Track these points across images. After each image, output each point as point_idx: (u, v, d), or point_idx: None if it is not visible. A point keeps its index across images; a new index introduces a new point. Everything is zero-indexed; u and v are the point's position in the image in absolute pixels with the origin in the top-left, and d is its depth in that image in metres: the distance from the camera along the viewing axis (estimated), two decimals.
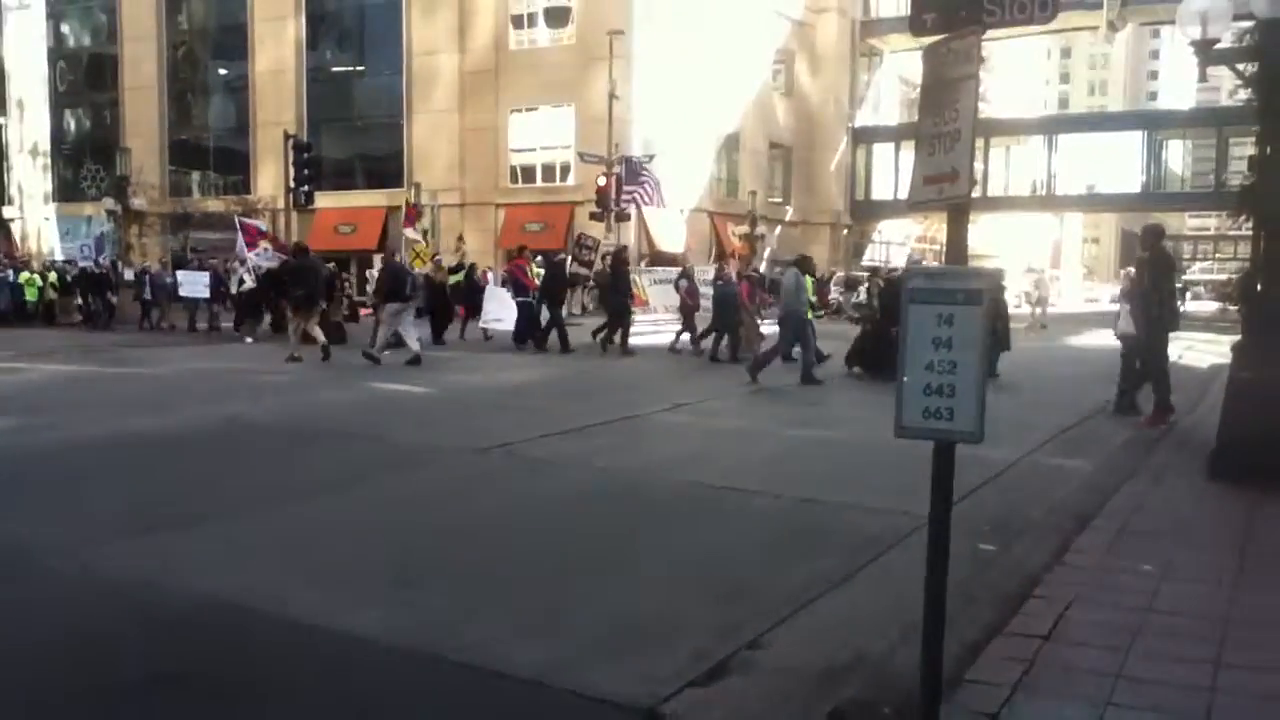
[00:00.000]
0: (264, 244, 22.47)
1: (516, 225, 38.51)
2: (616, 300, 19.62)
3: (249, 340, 21.77)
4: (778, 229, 47.34)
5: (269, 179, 40.20)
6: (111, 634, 4.67)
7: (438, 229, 38.03)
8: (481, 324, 22.02)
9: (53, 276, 31.11)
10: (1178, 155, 56.59)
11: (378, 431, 10.31)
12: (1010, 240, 59.78)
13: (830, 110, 50.40)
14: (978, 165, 49.12)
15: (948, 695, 3.76)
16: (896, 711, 3.57)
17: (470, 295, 23.40)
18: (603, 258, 25.74)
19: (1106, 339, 15.24)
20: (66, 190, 48.08)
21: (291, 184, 26.30)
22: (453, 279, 24.21)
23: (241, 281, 22.84)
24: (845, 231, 51.58)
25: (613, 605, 5.08)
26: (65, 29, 49.03)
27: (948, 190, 3.18)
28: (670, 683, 4.07)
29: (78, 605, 5.07)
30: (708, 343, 18.50)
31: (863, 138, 52.19)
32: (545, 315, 19.93)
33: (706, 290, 20.78)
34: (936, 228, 56.04)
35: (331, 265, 24.87)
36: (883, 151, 51.49)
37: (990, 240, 56.60)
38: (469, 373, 16.49)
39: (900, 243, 56.23)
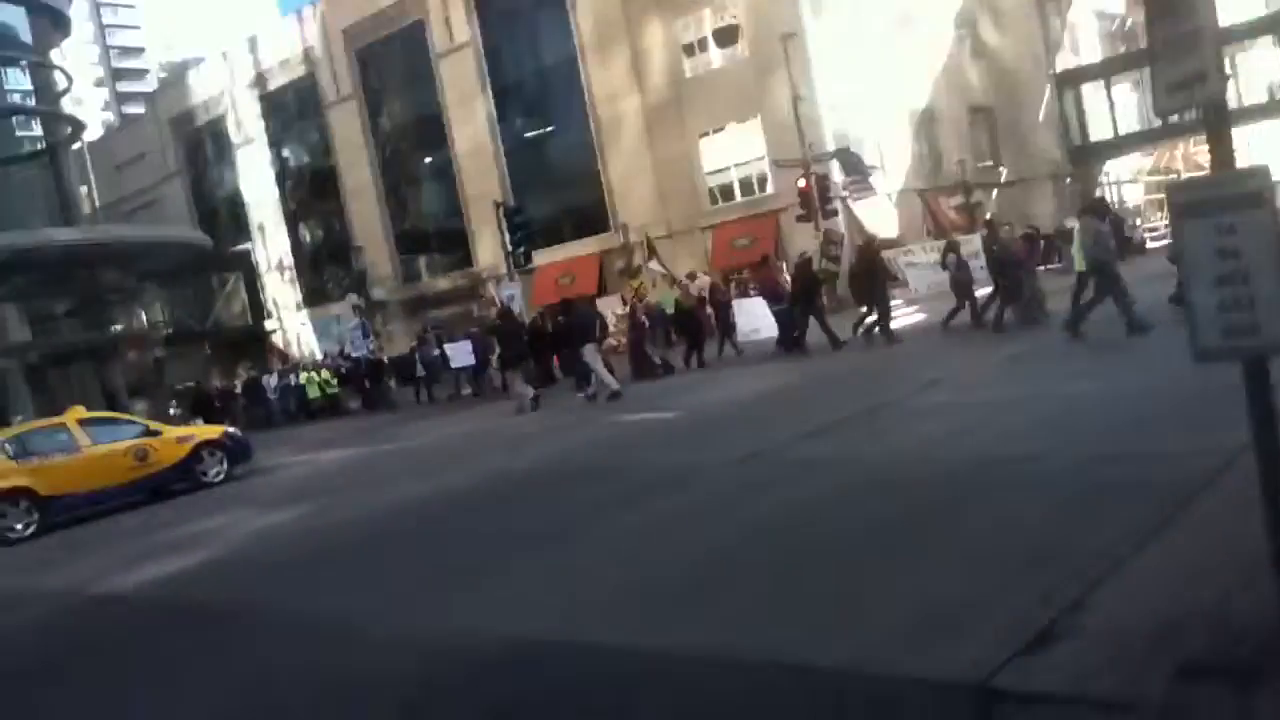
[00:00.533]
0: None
1: (725, 244, 38.68)
2: (874, 290, 18.99)
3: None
4: (994, 193, 45.32)
5: (487, 249, 42.17)
6: (440, 684, 4.96)
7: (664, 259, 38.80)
8: (739, 338, 22.20)
9: (325, 374, 33.76)
10: None
11: (636, 459, 10.56)
12: (1253, 158, 54.68)
13: (1026, 63, 47.97)
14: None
15: None
16: (1253, 653, 3.28)
17: (720, 312, 23.52)
18: (856, 248, 25.26)
19: None
20: (313, 296, 52.14)
21: (508, 247, 27.50)
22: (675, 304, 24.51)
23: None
24: (1068, 180, 48.75)
25: (912, 589, 4.95)
26: (286, 153, 53.45)
27: (1198, 91, 2.94)
28: (995, 656, 3.91)
29: (404, 659, 5.42)
30: (990, 315, 17.26)
31: (1068, 82, 49.31)
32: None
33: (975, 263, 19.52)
34: (1168, 157, 52.16)
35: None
36: (1093, 92, 48.39)
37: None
38: (718, 387, 16.63)
39: (1130, 180, 52.61)
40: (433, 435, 18.08)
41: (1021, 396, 10.24)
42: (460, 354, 26.59)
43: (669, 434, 12.59)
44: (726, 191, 40.07)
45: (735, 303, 23.85)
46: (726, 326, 22.92)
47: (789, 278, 21.39)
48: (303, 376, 33.59)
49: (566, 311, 20.89)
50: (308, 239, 53.41)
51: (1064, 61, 50.27)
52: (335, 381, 33.08)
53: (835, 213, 32.21)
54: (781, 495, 7.72)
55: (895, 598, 4.88)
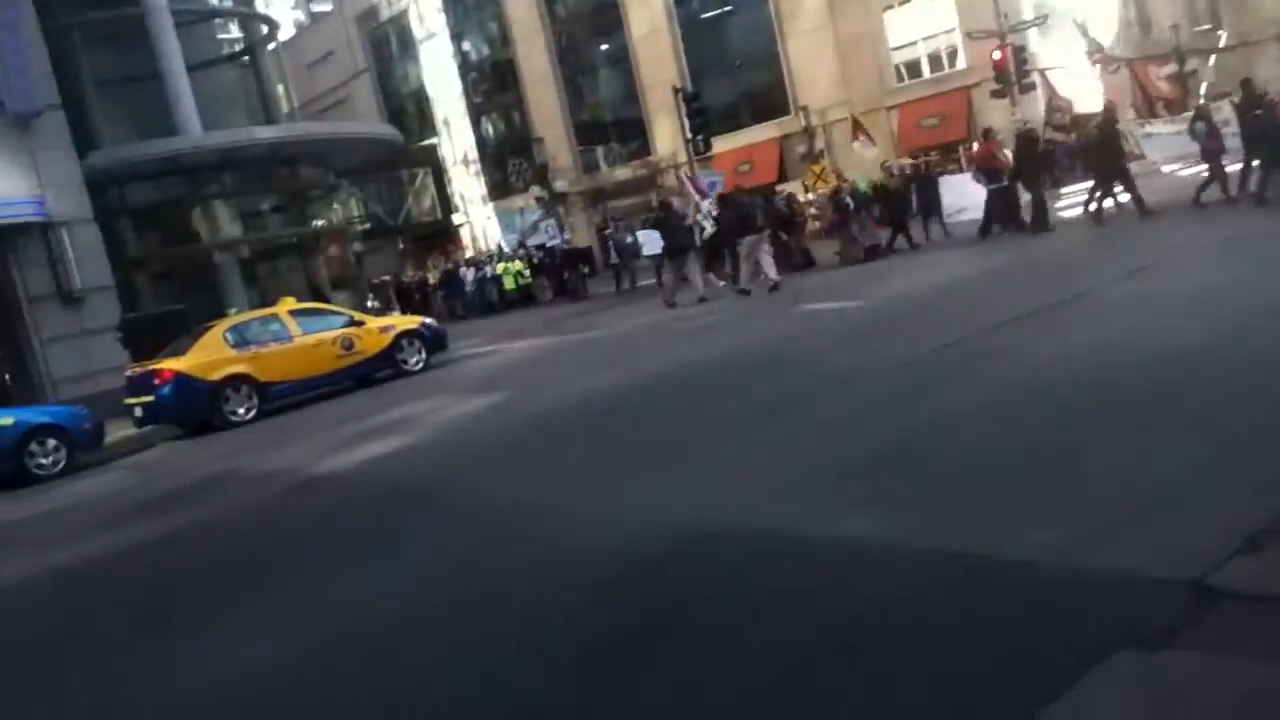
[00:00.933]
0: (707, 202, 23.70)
1: (912, 124, 37.13)
2: (1115, 163, 17.64)
3: (720, 283, 22.34)
4: (1211, 60, 41.55)
5: (665, 137, 41.92)
6: (615, 571, 5.08)
7: (832, 146, 37.70)
8: (945, 218, 21.61)
9: (519, 265, 34.71)
10: None
11: (816, 351, 10.48)
12: None
13: None
14: None
15: None
16: None
17: (923, 192, 22.69)
18: (1092, 118, 23.70)
19: None
20: (497, 189, 53.33)
21: (687, 135, 27.23)
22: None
23: (703, 230, 23.92)
24: None
25: (1117, 481, 4.74)
26: (467, 45, 54.16)
27: None
28: (1213, 553, 3.72)
29: (581, 547, 5.61)
30: (1252, 187, 15.79)
31: None
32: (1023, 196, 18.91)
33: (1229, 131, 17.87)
34: None
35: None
36: None
37: None
38: (918, 273, 16.20)
39: None
40: (621, 325, 18.41)
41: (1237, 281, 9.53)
42: (653, 242, 26.69)
43: (855, 326, 12.39)
44: (913, 68, 38.30)
45: (943, 180, 22.93)
46: (930, 206, 22.12)
47: (1008, 153, 20.34)
48: (499, 267, 34.65)
49: (725, 204, 20.66)
50: (490, 133, 54.32)
51: None
52: (528, 272, 33.96)
53: (1033, 86, 30.32)
54: (967, 389, 7.48)
55: (1100, 490, 4.68)
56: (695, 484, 6.35)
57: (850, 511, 5.11)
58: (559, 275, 32.51)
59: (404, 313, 29.43)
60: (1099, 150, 18.06)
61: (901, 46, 38.08)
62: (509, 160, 52.38)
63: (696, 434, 7.80)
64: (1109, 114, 18.84)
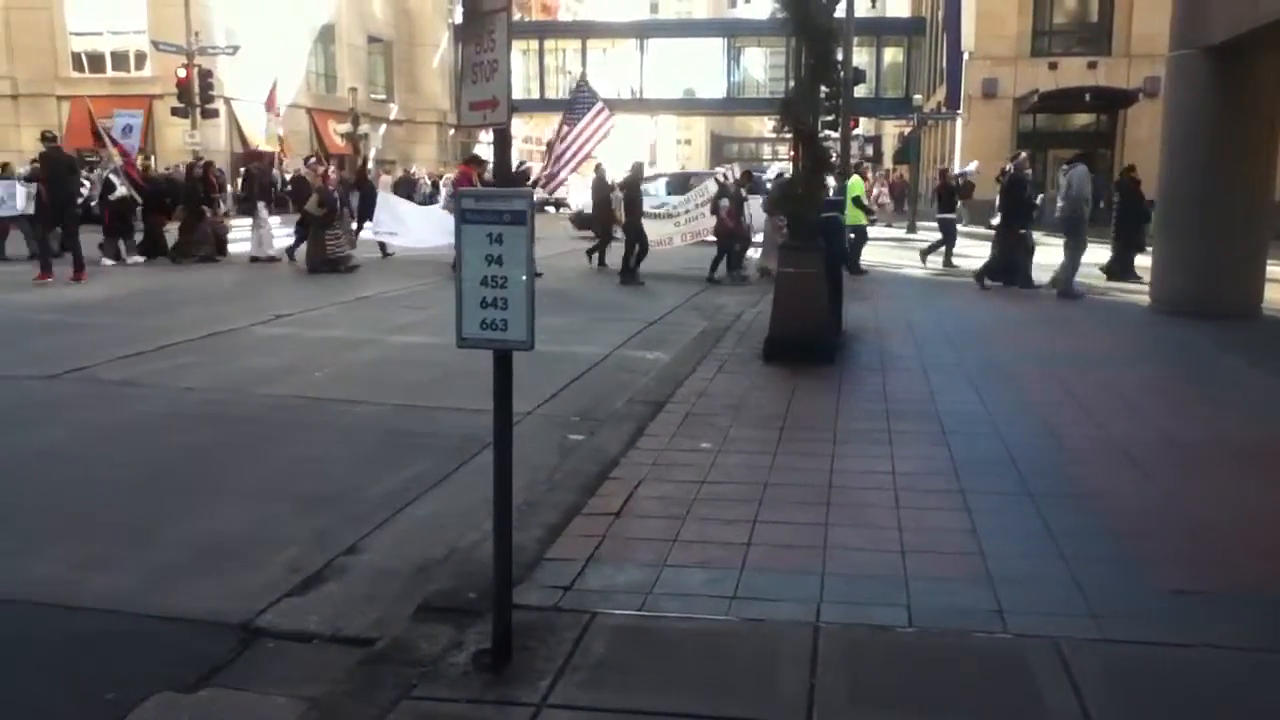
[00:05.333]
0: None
1: (86, 120, 34.48)
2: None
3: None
4: (382, 127, 46.01)
5: None
6: None
7: None
8: (375, 235, 19.11)
9: None
10: (756, 61, 61.19)
11: None
12: (612, 141, 62.00)
13: (429, 5, 49.31)
14: (576, 67, 50.48)
15: (527, 575, 4.15)
16: (480, 597, 3.88)
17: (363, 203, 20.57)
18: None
19: None
20: None
21: None
22: None
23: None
24: (452, 131, 51.16)
25: (199, 528, 5.01)
26: None
27: (490, 115, 3.39)
28: (265, 595, 4.14)
29: None
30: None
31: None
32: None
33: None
34: (545, 127, 56.99)
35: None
36: (461, 51, 50.96)
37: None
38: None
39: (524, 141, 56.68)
40: None
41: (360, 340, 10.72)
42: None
43: None
44: (96, 61, 35.69)
45: (380, 196, 20.46)
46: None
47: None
48: None
49: None
50: None
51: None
52: None
53: (216, 112, 30.35)
54: (84, 419, 7.23)
55: (179, 535, 4.89)
56: None
57: None
58: None
59: None
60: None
61: (84, 34, 35.31)
62: None
63: None
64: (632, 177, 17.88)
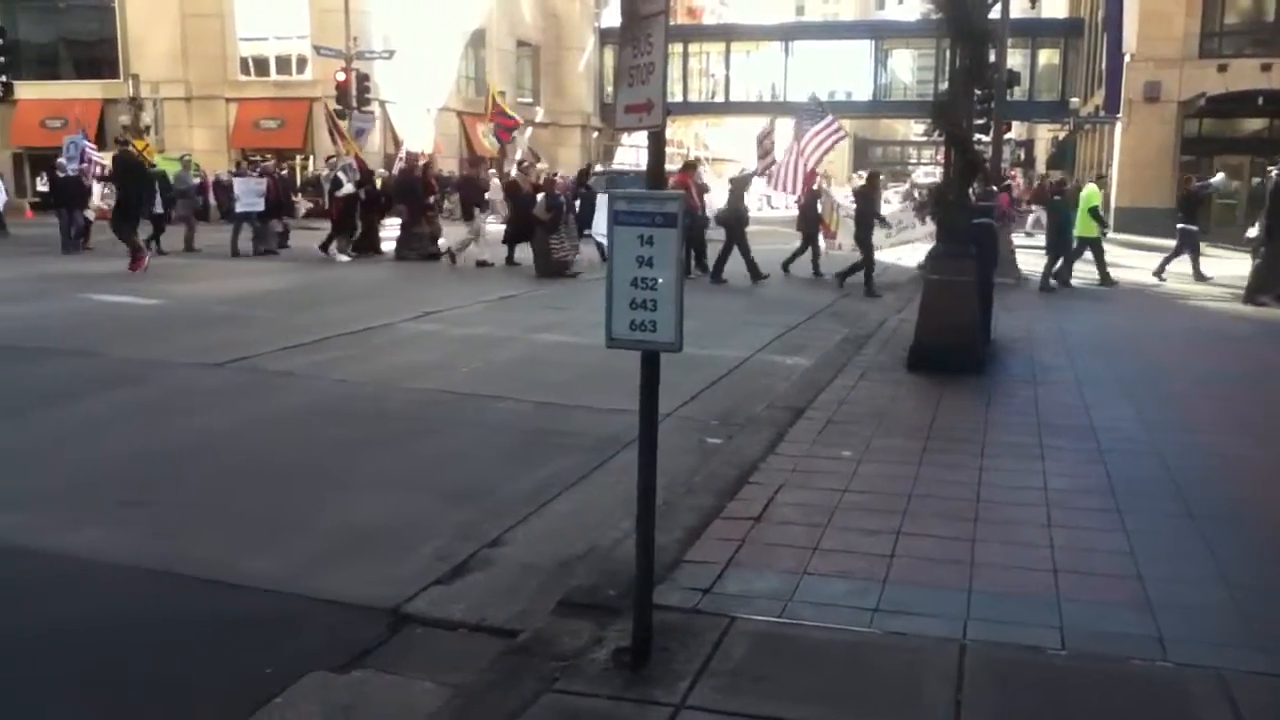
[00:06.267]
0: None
1: (249, 122, 36.29)
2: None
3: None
4: (528, 130, 46.90)
5: None
6: None
7: (160, 124, 35.31)
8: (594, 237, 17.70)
9: None
10: (904, 64, 60.00)
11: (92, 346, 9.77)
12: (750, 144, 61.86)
13: (576, 9, 50.03)
14: (720, 69, 50.50)
15: (667, 576, 4.16)
16: (620, 595, 3.91)
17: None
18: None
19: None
20: None
21: None
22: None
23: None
24: (596, 134, 51.80)
25: (348, 514, 5.20)
26: None
27: (645, 119, 3.40)
28: (413, 583, 4.27)
29: None
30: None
31: (610, 38, 52.16)
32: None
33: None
34: (683, 132, 57.27)
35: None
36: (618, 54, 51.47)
37: (734, 143, 58.49)
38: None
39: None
40: None
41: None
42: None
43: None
44: (261, 65, 37.48)
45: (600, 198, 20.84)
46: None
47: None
48: None
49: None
50: None
51: (610, 18, 52.98)
52: None
53: (372, 114, 31.49)
54: (243, 407, 7.61)
55: (329, 521, 5.09)
56: None
57: (86, 524, 4.90)
58: None
59: None
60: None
61: (252, 39, 37.11)
62: None
63: None
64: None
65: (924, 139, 47.95)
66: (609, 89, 52.24)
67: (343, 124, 24.84)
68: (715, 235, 17.08)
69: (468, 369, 9.03)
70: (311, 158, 33.74)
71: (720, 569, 4.31)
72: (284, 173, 25.59)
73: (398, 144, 36.04)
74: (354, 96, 29.69)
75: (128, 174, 17.91)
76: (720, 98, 51.09)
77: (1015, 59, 34.07)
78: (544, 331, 11.19)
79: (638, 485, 3.48)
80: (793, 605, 3.96)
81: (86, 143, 22.57)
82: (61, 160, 21.54)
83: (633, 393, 3.50)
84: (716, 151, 59.56)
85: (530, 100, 48.59)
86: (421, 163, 21.07)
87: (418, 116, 37.50)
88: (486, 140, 35.21)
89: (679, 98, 48.00)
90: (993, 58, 11.96)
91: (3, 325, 10.89)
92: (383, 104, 34.34)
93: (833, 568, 4.35)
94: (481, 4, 42.62)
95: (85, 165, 21.67)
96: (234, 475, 5.89)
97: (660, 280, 3.31)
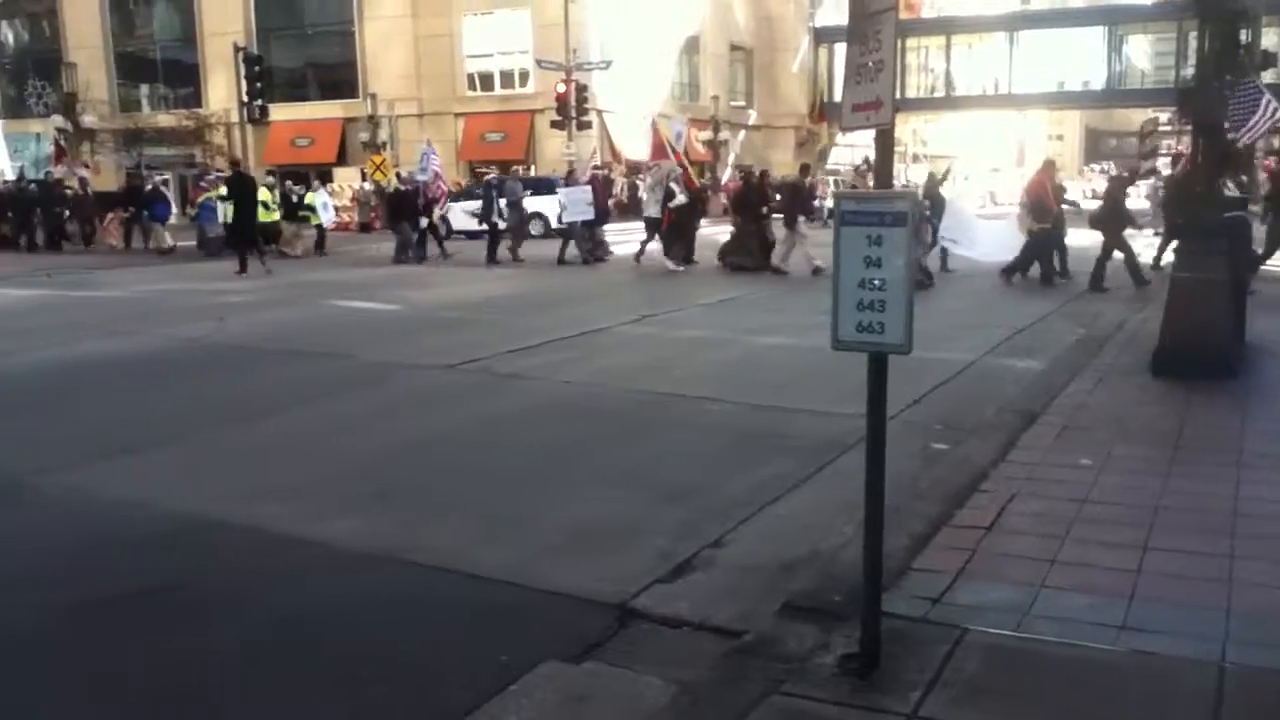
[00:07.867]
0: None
1: (476, 135, 38.05)
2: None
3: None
4: (741, 134, 47.03)
5: (220, 91, 39.23)
6: (98, 552, 4.87)
7: (395, 140, 37.52)
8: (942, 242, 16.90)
9: None
10: (1140, 50, 56.26)
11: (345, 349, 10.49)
12: (974, 139, 59.65)
13: (790, 10, 49.70)
14: (940, 64, 48.86)
15: (894, 583, 4.05)
16: (845, 600, 3.85)
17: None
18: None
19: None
20: (11, 106, 46.66)
21: (244, 98, 25.78)
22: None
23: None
24: (809, 134, 51.27)
25: (574, 511, 5.35)
26: None
27: (874, 117, 3.33)
28: (638, 580, 4.35)
29: (64, 525, 5.27)
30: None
31: (824, 38, 51.43)
32: None
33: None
34: (900, 129, 55.61)
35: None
36: (845, 52, 50.68)
37: (954, 139, 56.55)
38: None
39: (866, 145, 56.01)
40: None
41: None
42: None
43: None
44: (486, 80, 39.21)
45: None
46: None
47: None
48: None
49: None
50: (10, 39, 47.43)
51: (825, 16, 52.31)
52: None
53: (589, 124, 32.37)
54: (484, 403, 7.97)
55: (556, 517, 5.26)
56: (174, 471, 6.16)
57: (343, 515, 5.27)
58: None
59: None
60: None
61: (478, 56, 38.90)
62: (30, 78, 46.01)
63: (197, 416, 7.50)
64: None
65: (1172, 128, 44.40)
66: (824, 88, 51.60)
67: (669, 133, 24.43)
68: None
69: (683, 371, 9.13)
70: (534, 168, 34.94)
71: (950, 579, 4.16)
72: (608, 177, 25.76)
73: (615, 153, 36.95)
74: (573, 107, 30.61)
75: (242, 191, 19.29)
76: (940, 92, 49.42)
77: (1270, 39, 31.36)
78: (758, 334, 11.16)
79: (865, 489, 3.41)
80: (1029, 619, 3.78)
81: (434, 154, 23.81)
82: (411, 170, 23.26)
83: (852, 395, 3.45)
84: (935, 149, 57.69)
85: (743, 104, 48.64)
86: (759, 171, 21.17)
87: (633, 123, 38.24)
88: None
89: (898, 94, 46.78)
90: (1245, 38, 11.02)
91: (271, 330, 11.90)
92: (599, 113, 35.22)
93: (1072, 582, 4.12)
94: (696, 10, 43.01)
95: (435, 174, 23.06)
96: (465, 471, 6.19)
97: (889, 281, 3.23)
